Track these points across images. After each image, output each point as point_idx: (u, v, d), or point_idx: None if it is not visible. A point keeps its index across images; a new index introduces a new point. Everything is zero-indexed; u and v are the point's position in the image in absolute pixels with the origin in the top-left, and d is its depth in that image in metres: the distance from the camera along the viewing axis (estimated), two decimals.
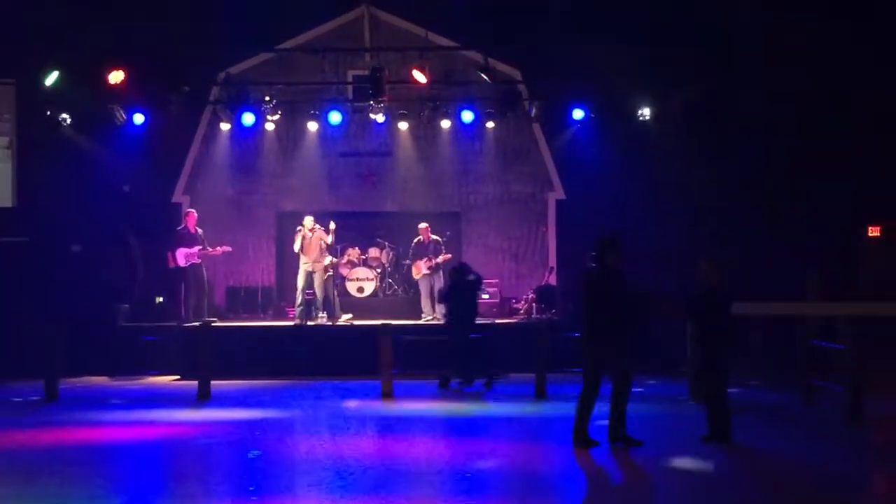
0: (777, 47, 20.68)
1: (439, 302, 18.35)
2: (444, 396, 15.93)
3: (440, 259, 19.88)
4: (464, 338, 16.65)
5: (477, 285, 17.30)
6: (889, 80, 20.19)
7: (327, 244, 19.61)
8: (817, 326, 15.07)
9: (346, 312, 19.76)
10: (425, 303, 19.89)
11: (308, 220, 19.56)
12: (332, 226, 19.49)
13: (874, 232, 21.19)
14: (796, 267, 17.41)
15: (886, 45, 20.21)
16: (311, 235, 19.39)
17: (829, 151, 20.63)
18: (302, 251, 19.39)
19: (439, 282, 19.40)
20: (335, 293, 19.88)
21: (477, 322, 17.26)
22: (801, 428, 13.07)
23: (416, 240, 20.27)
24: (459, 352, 16.62)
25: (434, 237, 20.25)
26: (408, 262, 21.14)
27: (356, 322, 19.45)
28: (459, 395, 15.94)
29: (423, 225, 20.35)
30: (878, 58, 20.25)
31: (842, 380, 13.38)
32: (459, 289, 17.02)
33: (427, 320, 19.49)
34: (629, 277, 11.27)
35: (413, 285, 20.94)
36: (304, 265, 19.44)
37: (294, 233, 19.69)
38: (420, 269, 19.95)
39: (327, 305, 19.68)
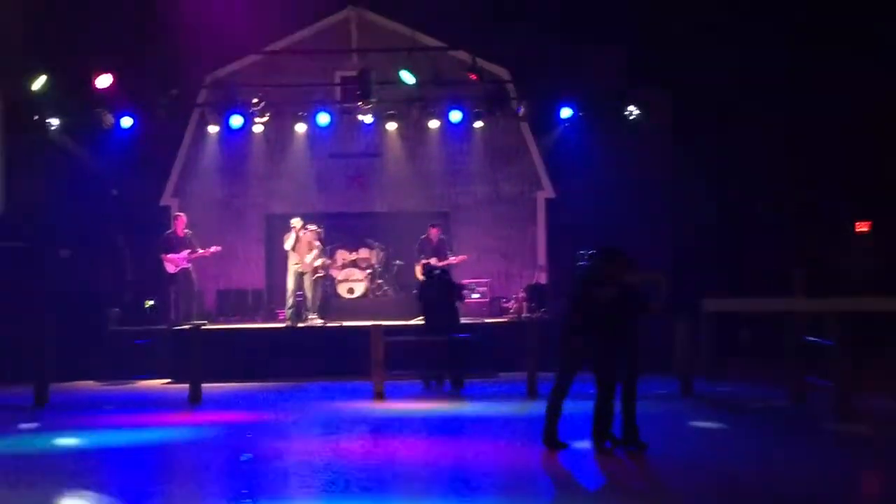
0: (766, 44, 20.75)
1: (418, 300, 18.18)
2: (436, 397, 15.93)
3: (454, 260, 19.81)
4: (437, 338, 16.55)
5: (448, 285, 17.14)
6: (880, 76, 20.25)
7: (318, 246, 19.61)
8: (805, 323, 15.12)
9: (322, 318, 19.69)
10: None
11: (296, 221, 19.57)
12: (313, 226, 19.56)
13: (862, 227, 21.26)
14: (785, 263, 17.48)
15: (879, 44, 20.25)
16: (303, 235, 19.41)
17: (818, 147, 20.69)
18: (293, 250, 19.40)
19: None
20: (319, 294, 19.86)
21: (459, 322, 17.17)
22: (791, 425, 13.10)
23: (422, 237, 20.00)
24: (433, 352, 16.56)
25: (442, 237, 20.20)
26: (398, 263, 21.15)
27: (346, 323, 19.43)
28: (451, 395, 15.94)
29: (433, 225, 20.23)
30: (870, 55, 20.30)
31: (831, 376, 13.42)
32: (431, 289, 16.95)
33: None
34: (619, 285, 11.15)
35: (404, 286, 20.90)
36: (294, 266, 19.47)
37: (285, 232, 19.72)
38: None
39: (314, 306, 19.68)
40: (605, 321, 10.86)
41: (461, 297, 16.98)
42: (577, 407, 11.40)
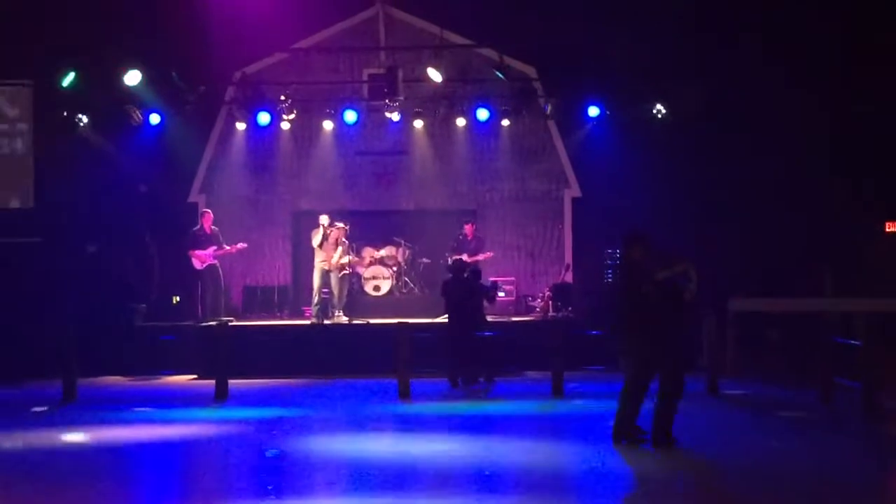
0: (794, 41, 20.60)
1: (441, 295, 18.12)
2: (461, 395, 15.90)
3: (481, 257, 19.93)
4: (462, 336, 16.53)
5: (475, 284, 17.12)
6: None
7: (345, 244, 19.64)
8: (834, 323, 15.02)
9: (348, 315, 19.73)
10: None
11: (324, 218, 19.61)
12: (340, 224, 19.61)
13: (892, 227, 21.11)
14: (813, 263, 17.38)
15: None
16: (330, 233, 19.45)
17: (847, 146, 20.53)
18: (320, 248, 19.45)
19: None
20: (345, 292, 19.88)
21: (484, 320, 17.12)
22: (819, 425, 13.02)
23: (459, 234, 20.35)
24: (458, 350, 16.55)
25: (478, 236, 20.38)
26: (424, 261, 21.16)
27: (372, 321, 19.45)
28: (476, 394, 15.92)
29: (467, 222, 20.50)
30: None
31: (859, 376, 13.33)
32: (455, 286, 16.92)
33: None
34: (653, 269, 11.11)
35: (430, 284, 20.90)
36: (321, 264, 19.49)
37: (312, 229, 19.77)
38: None
39: (341, 303, 19.70)
40: (643, 318, 10.82)
41: (491, 299, 16.94)
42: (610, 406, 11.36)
